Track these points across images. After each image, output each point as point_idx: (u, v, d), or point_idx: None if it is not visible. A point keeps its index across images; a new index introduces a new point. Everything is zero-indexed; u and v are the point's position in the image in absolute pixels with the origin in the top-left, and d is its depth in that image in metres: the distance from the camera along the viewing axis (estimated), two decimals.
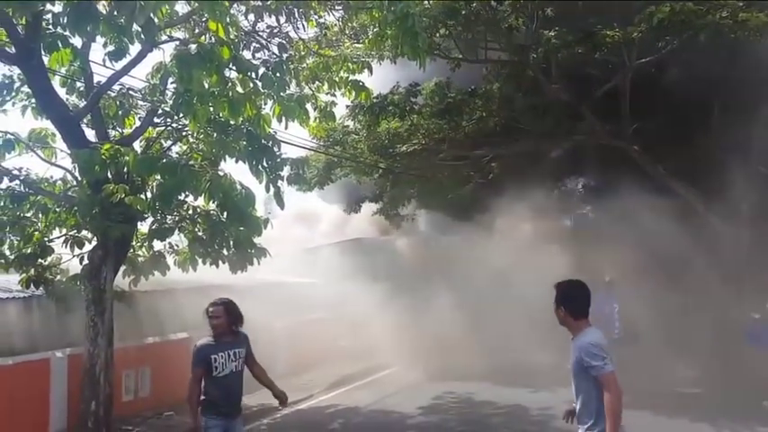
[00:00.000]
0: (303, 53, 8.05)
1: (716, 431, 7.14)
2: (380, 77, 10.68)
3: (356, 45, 8.55)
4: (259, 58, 7.33)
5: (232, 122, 7.81)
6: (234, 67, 6.89)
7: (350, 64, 7.63)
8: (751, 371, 8.60)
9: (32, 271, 8.31)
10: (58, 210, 7.63)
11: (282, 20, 7.80)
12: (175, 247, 9.58)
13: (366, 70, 7.69)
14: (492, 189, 13.65)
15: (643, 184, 11.98)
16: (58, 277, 8.83)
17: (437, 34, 10.80)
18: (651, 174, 12.49)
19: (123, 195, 6.83)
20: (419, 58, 6.83)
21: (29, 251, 8.27)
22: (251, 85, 7.21)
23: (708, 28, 9.47)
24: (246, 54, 7.67)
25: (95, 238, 8.08)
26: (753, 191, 11.62)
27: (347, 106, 11.65)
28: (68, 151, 8.41)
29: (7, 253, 8.40)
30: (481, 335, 10.88)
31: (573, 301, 3.57)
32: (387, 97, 11.65)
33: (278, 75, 7.03)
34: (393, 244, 13.87)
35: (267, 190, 8.05)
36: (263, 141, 7.82)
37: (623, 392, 3.32)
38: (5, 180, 7.79)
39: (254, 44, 7.96)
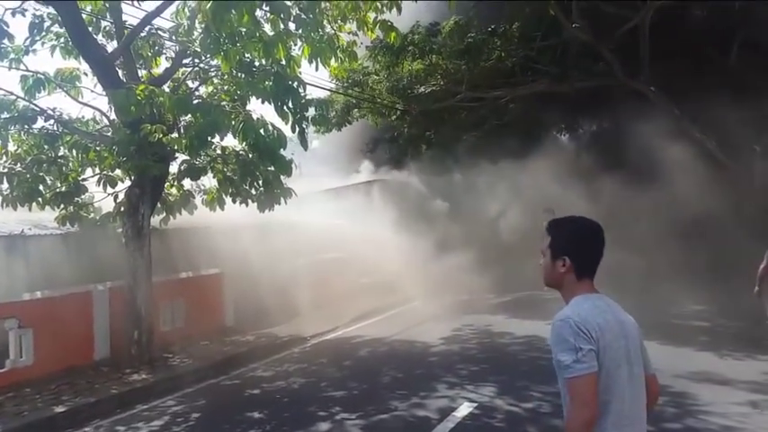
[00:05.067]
0: None
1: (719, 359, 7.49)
2: (398, 17, 10.64)
3: None
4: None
5: (257, 63, 7.93)
6: (266, 8, 6.93)
7: (378, 3, 7.63)
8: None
9: (70, 208, 8.61)
10: (98, 149, 7.83)
11: None
12: (202, 187, 9.88)
13: (395, 9, 7.70)
14: (507, 130, 13.79)
15: (657, 126, 12.12)
16: (92, 215, 9.19)
17: None
18: (666, 115, 12.61)
19: (161, 135, 7.04)
20: None
21: (64, 189, 8.56)
22: (281, 26, 7.29)
23: None
24: None
25: (129, 178, 8.37)
26: (766, 132, 11.82)
27: (367, 47, 11.63)
28: (98, 91, 8.62)
29: (43, 191, 8.68)
30: (497, 270, 11.35)
31: (584, 249, 2.22)
32: (407, 37, 11.62)
33: (311, 16, 7.07)
34: (412, 185, 14.14)
35: (293, 130, 8.21)
36: (288, 82, 7.94)
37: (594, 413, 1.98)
38: (40, 120, 8.01)
39: None
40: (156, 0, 7.63)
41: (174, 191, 9.45)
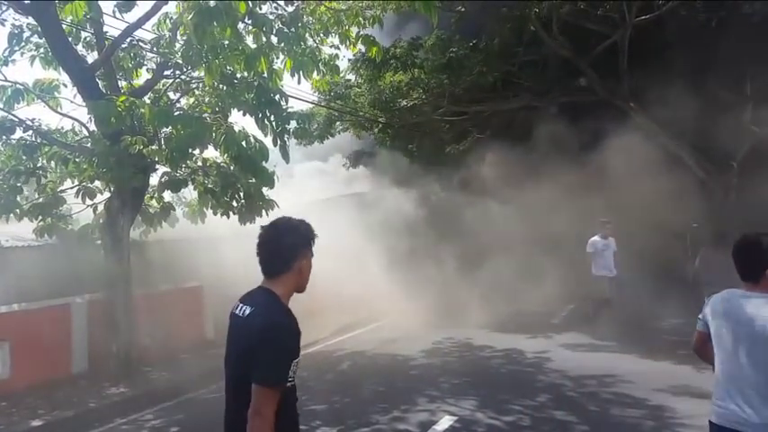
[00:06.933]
0: (313, 6, 8.09)
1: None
2: (381, 31, 10.77)
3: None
4: (273, 13, 7.39)
5: (238, 76, 7.93)
6: (249, 21, 6.96)
7: (361, 19, 7.70)
8: None
9: (49, 220, 8.49)
10: (77, 160, 7.76)
11: None
12: (183, 200, 9.81)
13: (377, 24, 7.77)
14: (489, 144, 13.89)
15: (636, 141, 12.30)
16: (70, 227, 9.06)
17: None
18: (645, 130, 12.81)
19: (141, 147, 7.00)
20: (431, 11, 6.95)
21: (42, 200, 8.45)
22: (263, 39, 7.32)
23: None
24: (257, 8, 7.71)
25: (108, 189, 8.29)
26: (743, 148, 12.07)
27: (349, 60, 11.72)
28: (77, 102, 8.56)
29: (21, 202, 8.57)
30: (477, 285, 11.38)
31: (735, 261, 3.06)
32: (389, 51, 11.71)
33: (293, 30, 7.11)
34: (393, 198, 14.17)
35: (274, 143, 8.21)
36: (270, 95, 7.95)
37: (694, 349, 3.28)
38: (18, 131, 7.93)
39: None
40: None
41: (154, 203, 9.37)
